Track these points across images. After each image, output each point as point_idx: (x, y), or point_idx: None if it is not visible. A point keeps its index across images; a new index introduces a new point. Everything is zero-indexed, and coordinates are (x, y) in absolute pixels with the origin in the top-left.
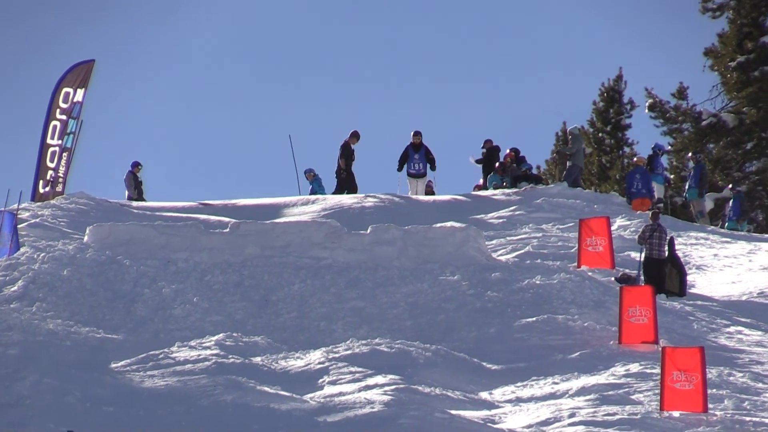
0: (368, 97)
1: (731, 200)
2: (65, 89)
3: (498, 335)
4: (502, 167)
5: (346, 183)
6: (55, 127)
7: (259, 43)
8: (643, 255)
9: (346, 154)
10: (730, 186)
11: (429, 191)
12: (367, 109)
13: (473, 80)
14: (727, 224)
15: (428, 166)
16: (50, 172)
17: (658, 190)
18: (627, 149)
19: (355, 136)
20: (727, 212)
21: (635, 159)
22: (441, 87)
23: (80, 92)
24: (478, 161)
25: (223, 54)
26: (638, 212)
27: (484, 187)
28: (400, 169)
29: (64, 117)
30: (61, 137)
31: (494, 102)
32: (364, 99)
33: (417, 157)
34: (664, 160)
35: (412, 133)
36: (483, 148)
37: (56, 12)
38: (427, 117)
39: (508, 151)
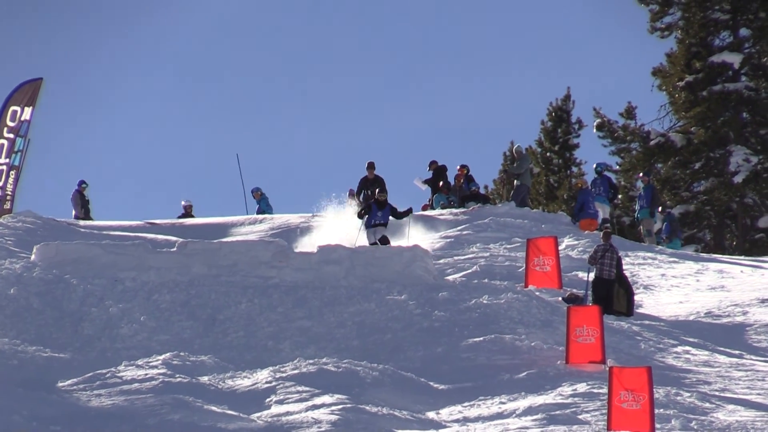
0: (313, 117)
1: (663, 221)
2: (12, 107)
3: (445, 355)
4: (448, 186)
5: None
6: (2, 145)
7: (205, 63)
8: (592, 275)
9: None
10: (660, 208)
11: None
12: (313, 128)
13: (419, 96)
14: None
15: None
16: None
17: (603, 211)
18: (575, 169)
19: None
20: (661, 233)
21: (578, 182)
22: (386, 104)
23: (28, 110)
24: (425, 181)
25: (169, 73)
26: (585, 232)
27: (432, 207)
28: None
29: (11, 135)
30: (8, 155)
31: (441, 121)
32: (309, 119)
33: (380, 214)
34: (611, 176)
35: (377, 191)
36: (429, 169)
37: (2, 30)
38: (369, 137)
39: (459, 168)
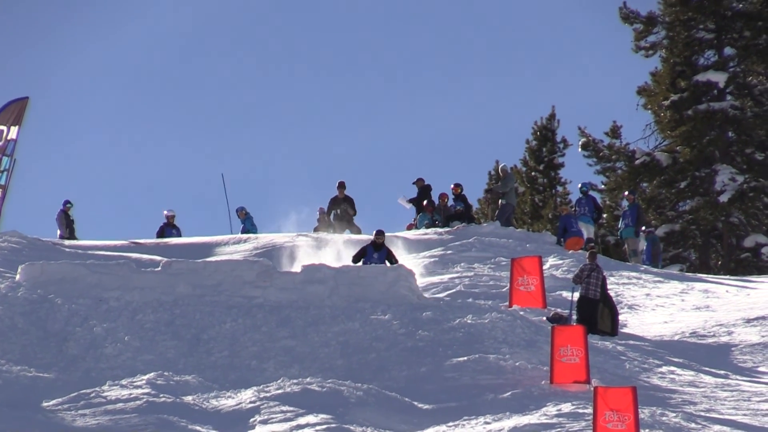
0: (297, 134)
1: (645, 242)
2: None
3: (429, 374)
4: (432, 205)
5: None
6: None
7: (191, 81)
8: (577, 294)
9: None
10: (643, 228)
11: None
12: (296, 146)
13: (404, 114)
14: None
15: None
16: None
17: (587, 230)
18: (560, 188)
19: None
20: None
21: (562, 208)
22: (371, 122)
23: (14, 129)
24: (410, 200)
25: (153, 91)
26: (570, 251)
27: (416, 227)
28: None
29: None
30: None
31: (426, 139)
32: (293, 136)
33: (376, 256)
34: (596, 196)
35: (374, 233)
36: (416, 185)
37: None
38: (353, 154)
39: (452, 186)
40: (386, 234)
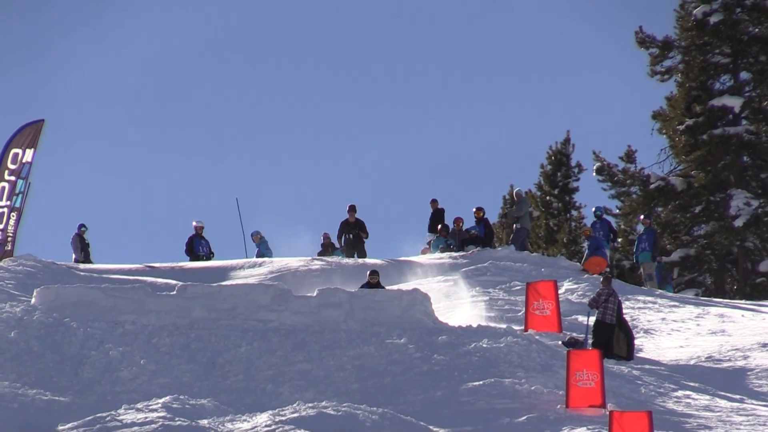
0: (310, 157)
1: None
2: (14, 150)
3: (445, 399)
4: (446, 230)
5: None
6: (3, 188)
7: (205, 104)
8: (593, 318)
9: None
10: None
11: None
12: (310, 169)
13: (419, 138)
14: None
15: None
16: None
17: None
18: (575, 212)
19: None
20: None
21: (584, 230)
22: (384, 145)
23: (29, 152)
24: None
25: (169, 115)
26: (587, 272)
27: (431, 250)
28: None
29: (12, 178)
30: (9, 198)
31: (441, 163)
32: (307, 159)
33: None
34: (611, 220)
35: (368, 273)
36: (430, 204)
37: (3, 72)
38: (365, 177)
39: (474, 210)
40: (401, 258)
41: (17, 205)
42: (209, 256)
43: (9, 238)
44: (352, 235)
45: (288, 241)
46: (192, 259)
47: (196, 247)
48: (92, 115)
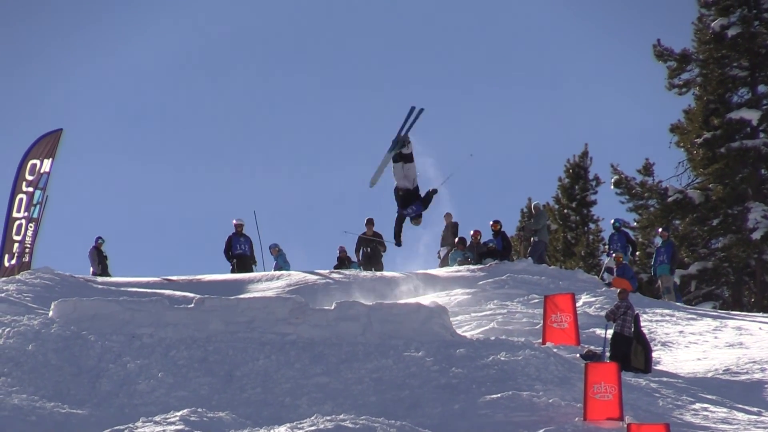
0: (328, 167)
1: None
2: (32, 161)
3: (463, 412)
4: (463, 243)
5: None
6: (21, 200)
7: (223, 116)
8: (610, 331)
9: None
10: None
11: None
12: (327, 180)
13: (436, 149)
14: None
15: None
16: (16, 245)
17: None
18: (592, 225)
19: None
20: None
21: (617, 256)
22: None
23: (47, 162)
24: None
25: (185, 126)
26: (610, 288)
27: (446, 262)
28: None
29: (30, 189)
30: (27, 209)
31: (457, 177)
32: (325, 170)
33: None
34: (629, 233)
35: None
36: (445, 222)
37: (20, 81)
38: (382, 191)
39: (492, 223)
40: (419, 271)
41: (35, 215)
42: (251, 255)
43: (27, 250)
44: (370, 249)
45: (305, 254)
46: (230, 259)
47: (235, 246)
48: (111, 126)
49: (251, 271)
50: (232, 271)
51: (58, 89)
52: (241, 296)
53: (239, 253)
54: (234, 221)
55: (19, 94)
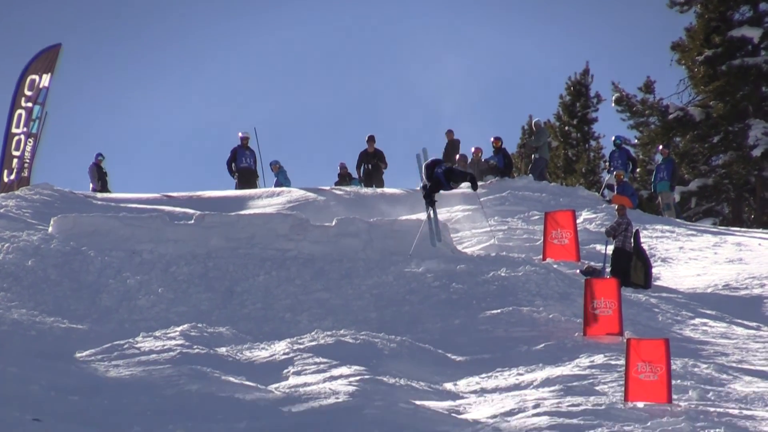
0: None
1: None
2: (31, 76)
3: (463, 327)
4: (464, 159)
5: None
6: (20, 115)
7: (223, 32)
8: (611, 247)
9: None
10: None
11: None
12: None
13: (437, 70)
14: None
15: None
16: (15, 161)
17: None
18: (593, 143)
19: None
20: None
21: (618, 173)
22: (403, 77)
23: (46, 77)
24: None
25: (188, 43)
26: (611, 205)
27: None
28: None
29: (29, 104)
30: (26, 124)
31: (459, 93)
32: (329, 88)
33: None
34: (630, 150)
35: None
36: (445, 135)
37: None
38: (384, 108)
39: (492, 139)
40: (418, 188)
41: (34, 131)
42: (255, 169)
43: (26, 165)
44: (371, 166)
45: (305, 171)
46: (233, 173)
47: (240, 159)
48: (112, 42)
49: (255, 185)
50: (236, 186)
51: (56, 2)
52: (242, 212)
53: (244, 167)
54: (240, 134)
55: (18, 8)
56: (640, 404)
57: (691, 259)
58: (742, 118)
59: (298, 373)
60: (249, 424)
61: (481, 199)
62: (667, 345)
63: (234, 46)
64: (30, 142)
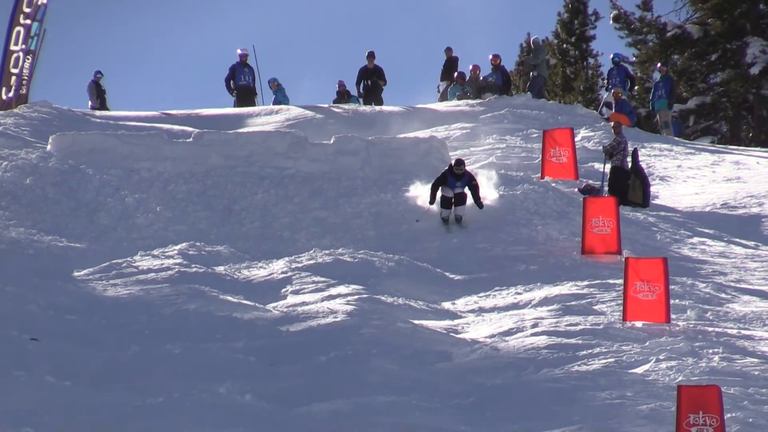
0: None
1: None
2: None
3: (461, 246)
4: (463, 77)
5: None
6: (18, 32)
7: None
8: (609, 166)
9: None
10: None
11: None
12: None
13: None
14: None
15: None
16: (13, 78)
17: None
18: (591, 60)
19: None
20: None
21: (616, 91)
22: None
23: None
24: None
25: None
26: (609, 123)
27: (445, 97)
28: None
29: (28, 21)
30: (25, 42)
31: (457, 10)
32: (328, 4)
33: (459, 184)
34: (628, 68)
35: (453, 162)
36: (444, 53)
37: None
38: (382, 25)
39: (491, 57)
40: (418, 105)
41: (33, 48)
42: (254, 87)
43: (24, 82)
44: (370, 82)
45: (304, 89)
46: (232, 91)
47: (238, 76)
48: None
49: (253, 103)
50: (235, 104)
51: None
52: (240, 130)
53: (243, 85)
54: (239, 50)
55: None
56: (639, 324)
57: (689, 177)
58: (740, 35)
59: (296, 292)
60: (247, 344)
61: (480, 117)
62: (666, 264)
63: None
64: (28, 59)
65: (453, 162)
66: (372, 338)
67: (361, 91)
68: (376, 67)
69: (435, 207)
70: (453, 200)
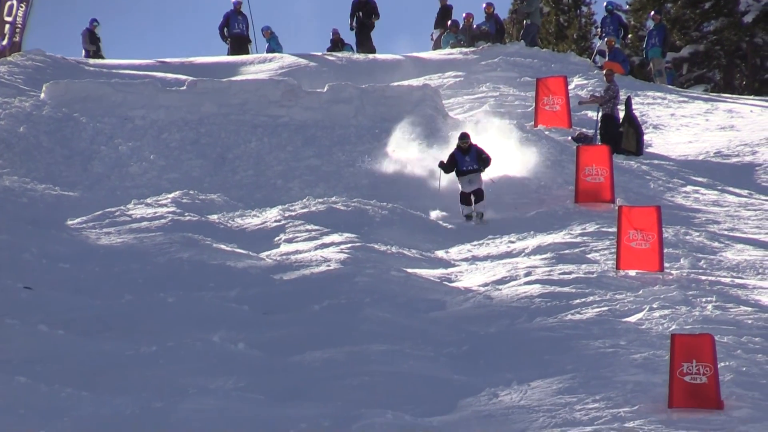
0: None
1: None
2: None
3: (454, 193)
4: (456, 26)
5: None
6: None
7: None
8: (600, 113)
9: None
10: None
11: None
12: None
13: None
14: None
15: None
16: (7, 26)
17: None
18: (584, 8)
19: None
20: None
21: (609, 40)
22: None
23: None
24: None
25: None
26: (602, 71)
27: (438, 45)
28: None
29: None
30: None
31: None
32: None
33: (468, 159)
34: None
35: (459, 137)
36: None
37: None
38: None
39: (485, 5)
40: (411, 54)
41: None
42: (247, 35)
43: (17, 30)
44: (362, 14)
45: (297, 37)
46: (226, 39)
47: (233, 24)
48: None
49: (247, 51)
50: (229, 52)
51: None
52: (234, 78)
53: (236, 33)
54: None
55: None
56: (632, 272)
57: (682, 126)
58: None
59: (289, 241)
60: (240, 292)
61: (473, 66)
62: (659, 212)
63: None
64: (22, 6)
65: (459, 136)
66: (365, 287)
67: (354, 24)
68: (368, 1)
69: (445, 181)
70: (472, 197)
